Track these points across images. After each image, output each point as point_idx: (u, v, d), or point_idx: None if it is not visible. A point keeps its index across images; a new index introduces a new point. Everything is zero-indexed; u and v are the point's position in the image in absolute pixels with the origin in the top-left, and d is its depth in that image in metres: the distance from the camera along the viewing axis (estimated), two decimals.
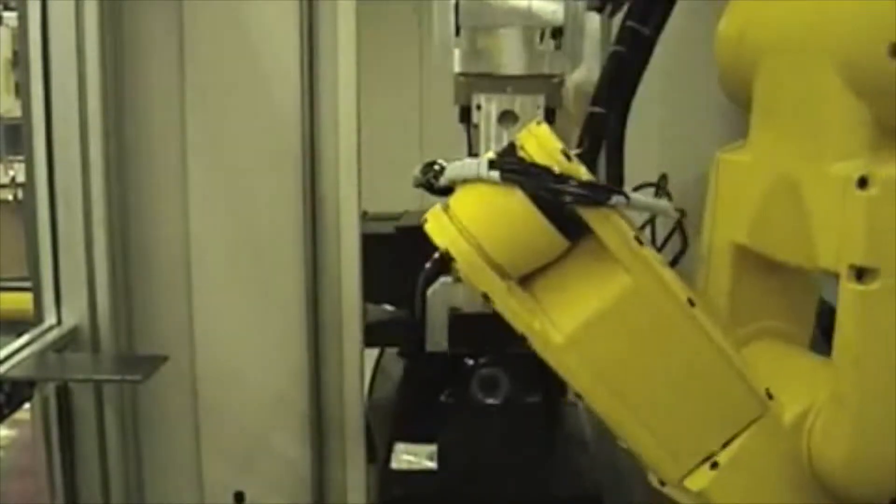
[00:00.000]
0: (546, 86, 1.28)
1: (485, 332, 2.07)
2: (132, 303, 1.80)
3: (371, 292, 1.90)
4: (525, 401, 1.93)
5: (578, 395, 1.12)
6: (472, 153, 1.28)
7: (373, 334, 1.95)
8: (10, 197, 6.10)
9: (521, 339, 1.11)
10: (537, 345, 1.06)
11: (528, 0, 1.25)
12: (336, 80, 1.74)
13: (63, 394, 1.73)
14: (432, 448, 1.99)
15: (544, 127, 1.01)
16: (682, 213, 1.31)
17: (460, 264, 1.07)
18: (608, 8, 2.22)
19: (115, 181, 1.73)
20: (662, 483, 1.18)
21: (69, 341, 1.71)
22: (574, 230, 1.00)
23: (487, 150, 1.18)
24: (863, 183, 0.98)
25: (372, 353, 2.43)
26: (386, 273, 2.15)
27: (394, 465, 2.02)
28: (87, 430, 1.75)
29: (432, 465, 1.99)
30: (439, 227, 1.09)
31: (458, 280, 1.15)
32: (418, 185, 1.10)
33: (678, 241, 1.55)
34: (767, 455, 1.11)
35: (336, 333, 1.80)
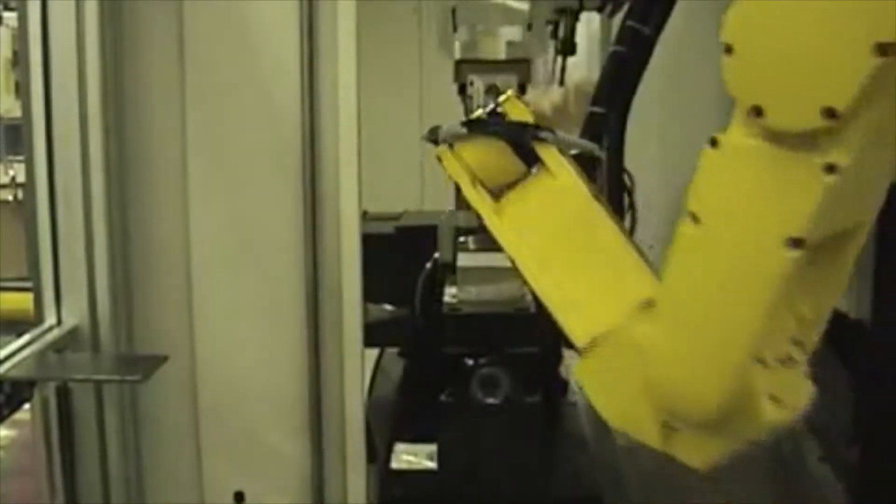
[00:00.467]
0: (519, 67, 1.77)
1: (485, 332, 2.08)
2: (132, 303, 1.80)
3: (371, 292, 1.90)
4: (525, 401, 1.93)
5: (513, 262, 1.48)
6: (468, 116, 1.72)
7: (373, 334, 1.95)
8: (10, 197, 6.10)
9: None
10: (490, 224, 1.48)
11: (506, 5, 1.71)
12: (336, 80, 1.74)
13: (63, 394, 1.73)
14: (432, 448, 2.00)
15: (515, 98, 1.50)
16: (630, 179, 1.73)
17: (462, 184, 1.50)
18: (608, 8, 2.23)
19: (115, 181, 1.73)
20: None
21: (69, 341, 1.71)
22: (530, 159, 1.44)
23: (479, 112, 1.59)
24: (714, 143, 1.17)
25: (372, 353, 2.44)
26: (386, 273, 2.15)
27: (394, 465, 2.02)
28: (87, 430, 1.75)
29: (432, 465, 1.99)
30: (447, 160, 1.50)
31: (459, 208, 1.70)
32: (425, 139, 1.52)
33: None
34: (626, 355, 1.34)
35: (336, 333, 1.80)
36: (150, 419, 1.84)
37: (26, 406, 1.68)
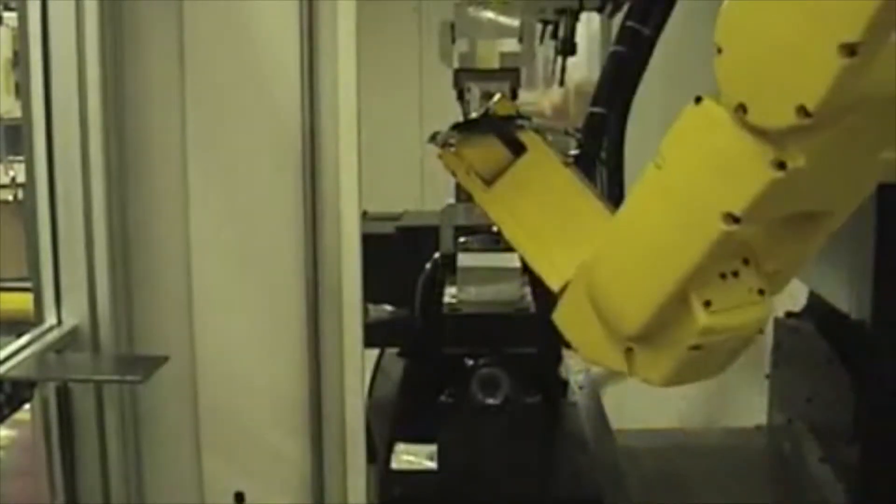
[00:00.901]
0: (511, 75, 1.94)
1: (485, 332, 2.08)
2: (132, 303, 1.80)
3: (371, 292, 1.91)
4: (525, 401, 1.93)
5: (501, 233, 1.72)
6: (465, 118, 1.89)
7: (373, 334, 1.96)
8: (10, 197, 6.10)
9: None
10: (481, 202, 1.72)
11: (498, 19, 1.91)
12: (336, 80, 1.74)
13: (63, 394, 1.73)
14: (432, 448, 2.00)
15: (504, 99, 1.80)
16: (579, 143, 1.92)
17: (458, 174, 1.74)
18: (608, 8, 2.23)
19: (115, 181, 1.73)
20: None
21: (69, 341, 1.71)
22: (515, 148, 1.68)
23: (475, 115, 1.82)
24: (697, 101, 1.28)
25: (372, 353, 2.44)
26: (386, 273, 2.15)
27: (394, 465, 2.02)
28: (87, 430, 1.75)
29: (432, 465, 1.99)
30: (446, 157, 1.73)
31: (460, 200, 1.95)
32: (429, 142, 1.75)
33: None
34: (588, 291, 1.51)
35: (336, 333, 1.80)
36: (150, 419, 1.84)
37: (26, 406, 1.67)
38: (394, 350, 2.46)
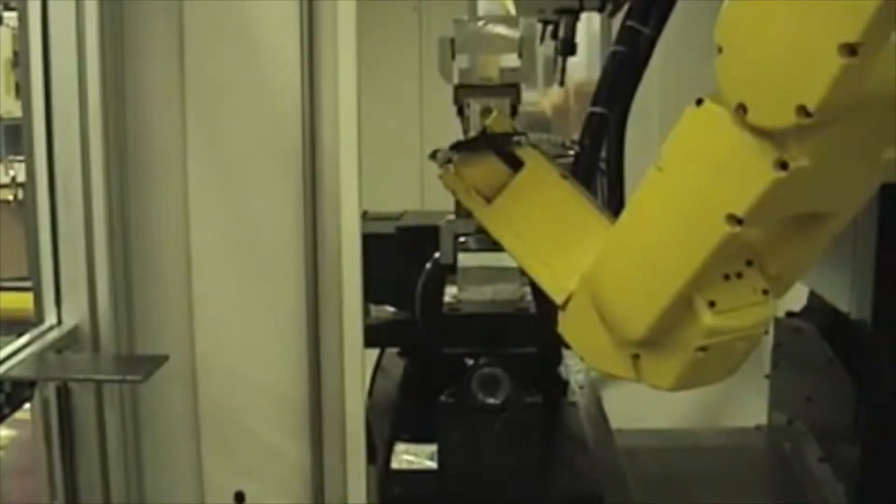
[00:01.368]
0: (510, 90, 1.92)
1: (485, 332, 2.08)
2: (132, 303, 1.80)
3: (371, 292, 1.91)
4: (525, 401, 1.93)
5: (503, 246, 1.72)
6: (465, 135, 1.91)
7: (373, 334, 1.95)
8: (11, 197, 6.10)
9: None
10: (482, 219, 1.74)
11: (500, 34, 1.92)
12: (336, 80, 1.74)
13: (63, 394, 1.73)
14: (432, 448, 2.00)
15: (500, 116, 1.85)
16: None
17: (458, 193, 1.77)
18: (608, 8, 2.23)
19: (115, 181, 1.73)
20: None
21: (69, 341, 1.71)
22: (513, 163, 1.70)
23: (475, 131, 1.85)
24: (698, 102, 1.28)
25: (372, 353, 2.44)
26: (386, 273, 2.15)
27: (394, 465, 2.02)
28: (87, 430, 1.75)
29: (432, 465, 1.99)
30: (448, 176, 1.77)
31: (459, 216, 1.91)
32: (430, 158, 1.81)
33: None
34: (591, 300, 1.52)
35: (336, 333, 1.80)
36: (150, 419, 1.84)
37: (27, 406, 1.67)
38: (394, 350, 2.46)
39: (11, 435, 2.88)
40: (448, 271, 2.17)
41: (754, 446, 2.75)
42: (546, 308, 1.67)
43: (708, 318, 1.36)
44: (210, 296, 1.82)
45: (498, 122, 1.81)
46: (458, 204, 1.85)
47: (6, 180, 6.14)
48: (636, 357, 1.47)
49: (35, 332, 1.69)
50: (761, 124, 1.19)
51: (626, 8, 2.01)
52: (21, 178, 5.33)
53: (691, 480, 2.57)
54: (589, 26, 3.56)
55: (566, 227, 1.61)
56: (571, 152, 1.98)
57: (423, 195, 3.80)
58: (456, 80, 1.92)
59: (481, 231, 1.79)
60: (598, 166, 1.88)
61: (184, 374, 1.82)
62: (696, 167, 1.31)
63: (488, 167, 1.71)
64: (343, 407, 1.81)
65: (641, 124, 2.02)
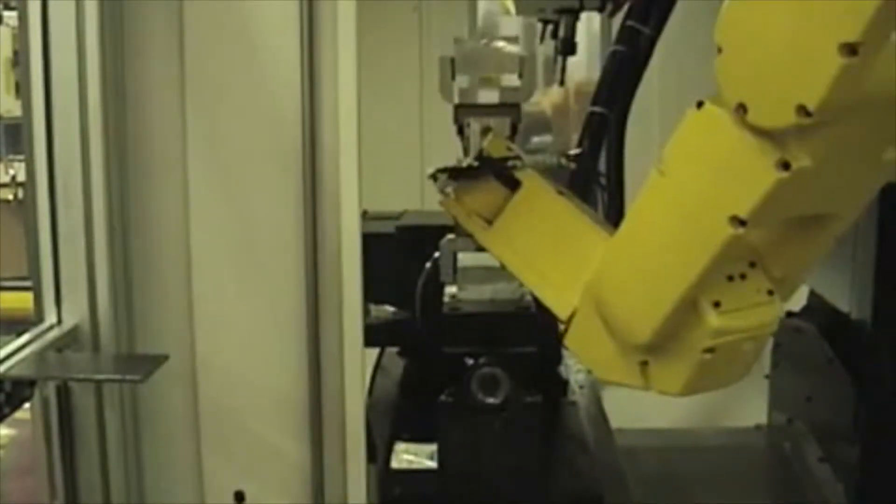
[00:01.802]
0: (510, 110, 1.91)
1: (485, 332, 2.08)
2: (132, 302, 1.80)
3: (371, 292, 1.90)
4: (525, 400, 1.93)
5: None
6: (465, 154, 1.89)
7: (373, 334, 1.95)
8: (11, 196, 6.10)
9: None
10: (483, 241, 1.77)
11: (500, 52, 1.91)
12: (336, 80, 1.74)
13: (63, 393, 1.73)
14: (432, 448, 2.00)
15: (496, 138, 1.84)
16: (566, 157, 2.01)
17: (459, 218, 1.80)
18: (608, 8, 2.23)
19: (115, 181, 1.73)
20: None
21: (69, 341, 1.71)
22: (511, 184, 1.73)
23: (474, 153, 1.84)
24: (699, 105, 1.28)
25: (372, 353, 2.44)
26: (386, 273, 2.15)
27: (394, 464, 2.02)
28: (87, 430, 1.75)
29: (432, 464, 1.99)
30: (448, 203, 1.80)
31: (459, 235, 1.88)
32: (429, 177, 1.84)
33: None
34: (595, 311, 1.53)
35: (336, 333, 1.80)
36: (150, 418, 1.84)
37: (27, 405, 1.67)
38: (394, 350, 2.46)
39: (11, 434, 2.88)
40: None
41: (754, 446, 2.75)
42: (546, 308, 1.68)
43: (713, 319, 1.36)
44: (210, 296, 1.82)
45: (494, 144, 1.82)
46: (457, 224, 1.87)
47: (6, 180, 6.14)
48: (644, 364, 1.47)
49: (35, 331, 1.69)
50: (761, 124, 1.19)
51: (626, 8, 2.02)
52: (21, 177, 5.32)
53: (691, 480, 2.57)
54: (589, 26, 3.55)
55: (566, 243, 1.63)
56: (573, 165, 1.99)
57: (423, 195, 3.80)
58: (456, 100, 1.92)
59: (481, 250, 1.82)
60: (599, 170, 1.88)
61: (184, 374, 1.82)
62: (697, 169, 1.31)
63: (487, 191, 1.75)
64: (343, 407, 1.81)
65: (641, 124, 2.03)
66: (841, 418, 2.15)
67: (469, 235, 1.83)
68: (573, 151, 2.04)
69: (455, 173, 1.80)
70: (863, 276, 2.06)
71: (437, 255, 2.06)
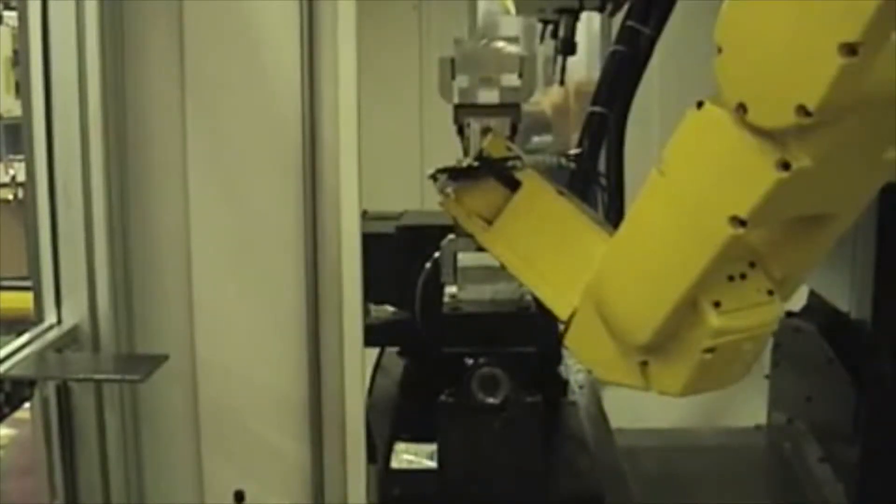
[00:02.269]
0: (510, 110, 1.91)
1: (485, 332, 2.08)
2: (132, 302, 1.80)
3: (371, 292, 1.90)
4: (525, 400, 1.93)
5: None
6: (465, 154, 1.89)
7: (373, 334, 1.95)
8: (11, 196, 6.10)
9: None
10: (483, 242, 1.78)
11: (500, 53, 1.91)
12: (336, 80, 1.74)
13: (63, 393, 1.73)
14: (432, 448, 1.99)
15: (496, 138, 1.83)
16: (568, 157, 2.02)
17: (459, 219, 1.80)
18: (608, 8, 2.23)
19: (115, 181, 1.73)
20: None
21: (69, 341, 1.71)
22: (511, 184, 1.73)
23: (474, 153, 1.84)
24: (699, 105, 1.28)
25: (372, 353, 2.44)
26: (386, 273, 2.15)
27: (394, 464, 2.02)
28: (87, 430, 1.75)
29: (432, 464, 1.99)
30: (448, 203, 1.79)
31: (460, 235, 1.89)
32: (429, 177, 1.84)
33: None
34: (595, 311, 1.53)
35: (336, 333, 1.80)
36: (150, 418, 1.84)
37: (26, 405, 1.68)
38: (394, 350, 2.46)
39: (11, 434, 2.88)
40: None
41: (754, 446, 2.75)
42: (546, 308, 1.68)
43: (713, 319, 1.36)
44: (210, 296, 1.82)
45: (494, 144, 1.82)
46: (457, 224, 1.87)
47: (6, 180, 6.14)
48: (644, 364, 1.47)
49: (35, 331, 1.69)
50: (761, 124, 1.19)
51: (626, 8, 2.02)
52: (21, 177, 5.32)
53: (691, 480, 2.57)
54: (589, 26, 3.55)
55: (565, 243, 1.63)
56: (573, 165, 1.99)
57: (424, 195, 3.79)
58: (456, 100, 1.93)
59: (481, 250, 1.82)
60: (599, 170, 1.88)
61: (184, 374, 1.82)
62: (698, 170, 1.31)
63: (487, 191, 1.75)
64: (343, 407, 1.82)
65: (641, 124, 2.03)
66: (841, 418, 2.15)
67: (469, 236, 1.83)
68: (573, 151, 2.04)
69: (455, 174, 1.80)
70: (863, 276, 2.06)
71: (437, 255, 2.06)
